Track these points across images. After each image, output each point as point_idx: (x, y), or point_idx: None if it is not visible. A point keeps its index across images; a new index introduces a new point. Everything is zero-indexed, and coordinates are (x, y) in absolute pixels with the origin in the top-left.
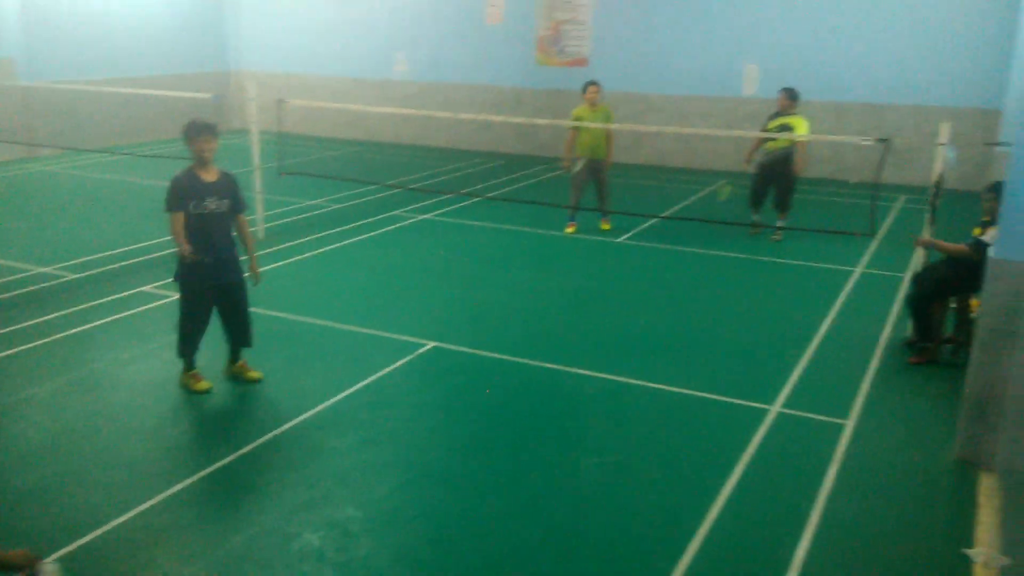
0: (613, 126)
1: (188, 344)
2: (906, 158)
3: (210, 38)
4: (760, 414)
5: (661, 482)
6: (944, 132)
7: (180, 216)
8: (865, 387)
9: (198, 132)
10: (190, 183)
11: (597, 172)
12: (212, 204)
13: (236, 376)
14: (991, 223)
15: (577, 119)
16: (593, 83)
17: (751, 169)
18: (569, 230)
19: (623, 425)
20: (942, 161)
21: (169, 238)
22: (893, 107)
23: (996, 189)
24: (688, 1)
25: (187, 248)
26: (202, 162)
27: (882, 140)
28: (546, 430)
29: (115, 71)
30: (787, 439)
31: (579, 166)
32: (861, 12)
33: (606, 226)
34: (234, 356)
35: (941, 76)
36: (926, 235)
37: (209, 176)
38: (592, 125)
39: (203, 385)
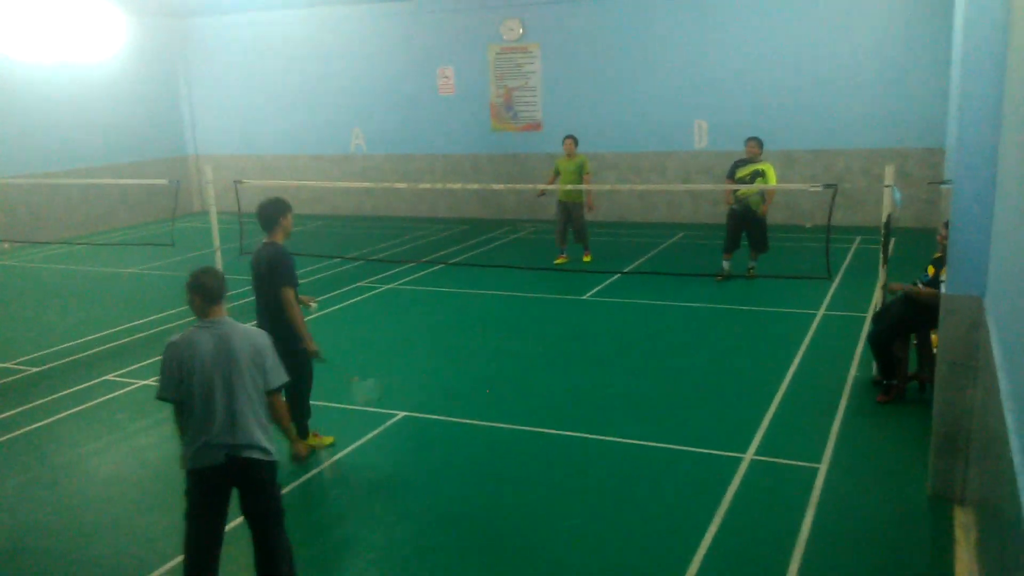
0: (583, 186)
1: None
2: (857, 200)
3: (165, 124)
4: (734, 463)
5: (642, 539)
6: (889, 174)
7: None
8: (836, 429)
9: (289, 208)
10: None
11: (571, 214)
12: None
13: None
14: (943, 259)
15: (557, 167)
16: (569, 136)
17: (728, 209)
18: (558, 261)
19: (602, 483)
20: (889, 202)
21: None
22: (840, 152)
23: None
24: (634, 63)
25: (313, 345)
26: (287, 237)
27: (829, 186)
28: (523, 494)
29: (71, 162)
30: (762, 486)
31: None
32: (801, 65)
33: (587, 258)
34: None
35: (884, 119)
36: (882, 275)
37: None
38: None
39: (328, 439)
